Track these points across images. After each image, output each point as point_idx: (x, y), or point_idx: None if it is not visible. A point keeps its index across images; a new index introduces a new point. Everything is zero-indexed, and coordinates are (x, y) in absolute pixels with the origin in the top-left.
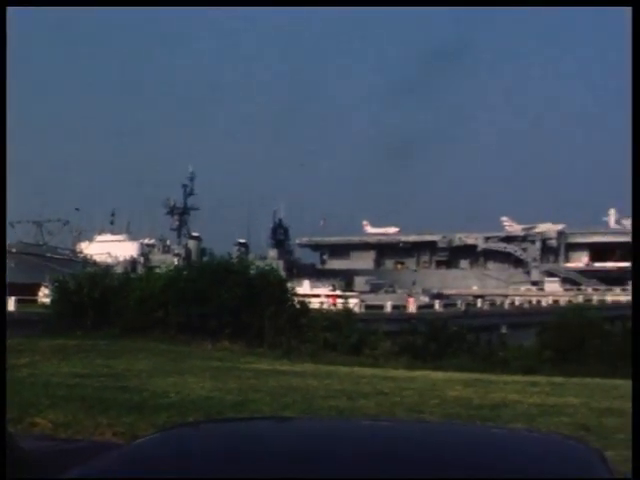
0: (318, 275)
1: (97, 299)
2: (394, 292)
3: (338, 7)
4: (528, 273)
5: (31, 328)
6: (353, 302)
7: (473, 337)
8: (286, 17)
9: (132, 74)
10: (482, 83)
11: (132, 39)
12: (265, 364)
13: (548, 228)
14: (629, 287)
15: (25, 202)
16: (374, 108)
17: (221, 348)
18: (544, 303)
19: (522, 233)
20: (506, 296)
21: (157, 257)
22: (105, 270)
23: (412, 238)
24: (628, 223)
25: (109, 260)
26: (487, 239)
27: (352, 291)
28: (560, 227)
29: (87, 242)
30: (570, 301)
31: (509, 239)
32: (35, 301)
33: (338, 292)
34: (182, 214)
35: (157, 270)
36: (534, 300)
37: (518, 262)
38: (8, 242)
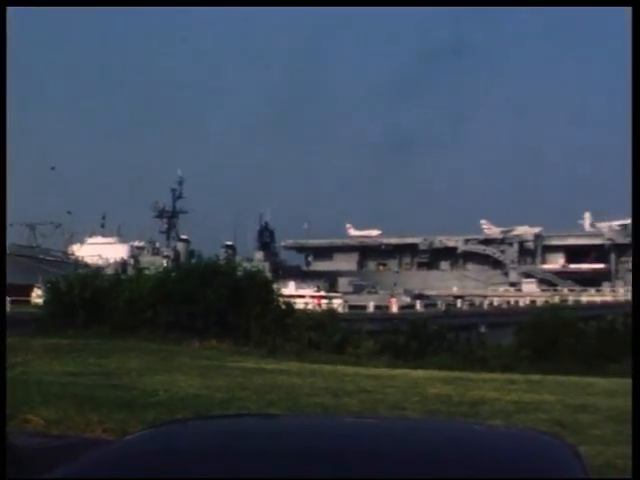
0: (303, 276)
1: (88, 299)
2: (376, 293)
3: (338, 7)
4: (506, 274)
5: (24, 328)
6: (337, 302)
7: (453, 336)
8: (283, 17)
9: (124, 76)
10: (472, 85)
11: (126, 40)
12: (251, 362)
13: (525, 231)
14: (603, 288)
15: (18, 205)
16: (360, 111)
17: (209, 347)
18: (521, 303)
19: (500, 236)
20: (485, 297)
21: (146, 259)
22: (96, 271)
23: (394, 240)
24: (602, 226)
25: (100, 262)
26: (467, 241)
27: (336, 292)
28: (537, 230)
29: (78, 244)
30: (547, 301)
31: (488, 241)
32: (28, 302)
33: (322, 293)
34: (171, 217)
35: (146, 271)
36: (512, 300)
37: (496, 264)
38: None
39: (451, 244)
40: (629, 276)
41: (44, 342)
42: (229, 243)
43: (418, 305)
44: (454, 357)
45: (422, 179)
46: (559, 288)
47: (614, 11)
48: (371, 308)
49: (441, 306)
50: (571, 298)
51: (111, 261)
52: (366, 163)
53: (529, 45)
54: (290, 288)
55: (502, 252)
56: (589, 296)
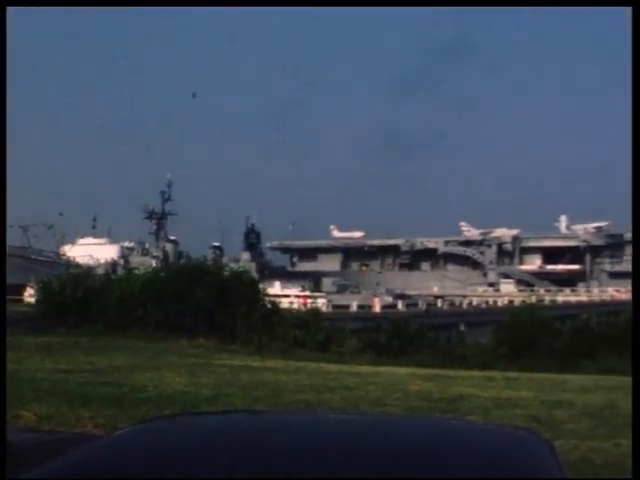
0: (288, 276)
1: (79, 299)
2: (359, 293)
3: (338, 7)
4: (485, 275)
5: (17, 326)
6: (321, 302)
7: (433, 335)
8: (282, 16)
9: (118, 76)
10: (466, 88)
11: (122, 40)
12: (238, 360)
13: (503, 233)
14: (578, 288)
15: (11, 206)
16: (347, 115)
17: (196, 345)
18: (500, 303)
19: (479, 237)
20: (464, 296)
21: (136, 259)
22: (87, 271)
23: (376, 242)
24: (578, 228)
25: (91, 262)
26: (447, 243)
27: (320, 292)
28: (515, 232)
29: (70, 245)
30: (524, 301)
31: (467, 243)
32: (21, 300)
33: (307, 293)
34: (160, 219)
35: (136, 271)
36: (490, 300)
37: (476, 265)
38: None
39: (432, 245)
40: (604, 277)
41: (36, 340)
42: (216, 244)
43: (400, 305)
44: (434, 355)
45: (405, 182)
46: (536, 288)
47: (614, 11)
48: (354, 307)
49: (422, 306)
50: (547, 298)
51: (102, 261)
52: (352, 166)
53: (529, 45)
54: (276, 288)
55: (481, 253)
56: (565, 296)
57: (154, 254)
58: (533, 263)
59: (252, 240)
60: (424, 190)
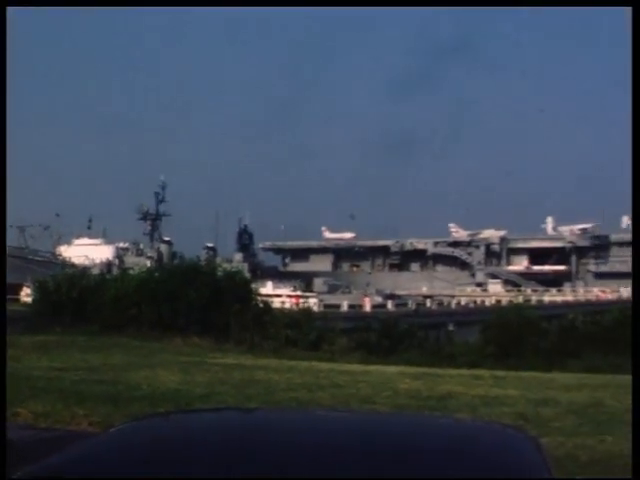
0: (280, 277)
1: (75, 298)
2: (350, 293)
3: (337, 7)
4: (473, 275)
5: (13, 325)
6: (312, 302)
7: (422, 334)
8: (281, 15)
9: (115, 76)
10: (459, 90)
11: (119, 40)
12: (231, 359)
13: (491, 234)
14: (564, 288)
15: (9, 207)
16: (337, 116)
17: (190, 344)
18: (487, 303)
19: (468, 238)
20: (453, 296)
21: (131, 260)
22: (82, 271)
23: (367, 243)
24: (564, 230)
25: (86, 262)
26: (436, 244)
27: (311, 292)
28: (502, 233)
29: (66, 245)
30: (511, 301)
31: (456, 244)
32: (17, 300)
33: (299, 292)
34: (154, 220)
35: (131, 272)
36: (478, 300)
37: (464, 265)
38: None
39: (421, 246)
40: (589, 277)
41: (32, 339)
42: (210, 245)
43: (389, 304)
44: (423, 354)
45: (396, 183)
46: (523, 288)
47: (614, 11)
48: (345, 307)
49: (411, 305)
50: (534, 298)
51: (97, 261)
52: (344, 167)
53: (528, 46)
54: (268, 288)
55: (469, 254)
56: (551, 296)
57: (148, 254)
58: (520, 264)
59: (245, 241)
60: (414, 191)
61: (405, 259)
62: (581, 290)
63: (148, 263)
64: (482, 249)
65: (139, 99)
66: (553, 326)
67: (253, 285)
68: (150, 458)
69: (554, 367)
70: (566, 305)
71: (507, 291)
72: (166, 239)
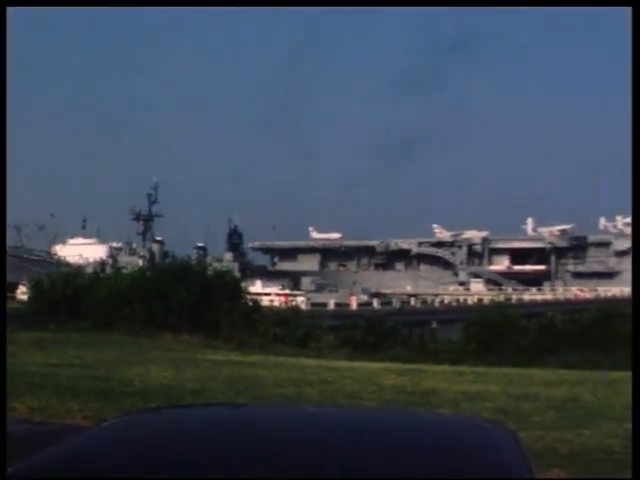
0: (269, 276)
1: (69, 296)
2: (337, 291)
3: (337, 7)
4: (456, 275)
5: (10, 322)
6: (300, 300)
7: (407, 331)
8: (279, 13)
9: (109, 79)
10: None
11: (116, 41)
12: (220, 355)
13: (473, 235)
14: (544, 287)
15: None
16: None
17: (181, 341)
18: (470, 301)
19: (451, 239)
20: (436, 295)
21: (124, 259)
22: (77, 270)
23: (353, 243)
24: (544, 231)
25: (80, 261)
26: (420, 244)
27: (299, 290)
28: (484, 234)
29: (61, 245)
30: (492, 300)
31: (439, 244)
32: (14, 298)
33: (287, 291)
34: (147, 220)
35: (124, 271)
36: (461, 299)
37: (447, 265)
38: None
39: (405, 246)
40: (568, 277)
41: (28, 336)
42: (200, 244)
43: (375, 303)
44: (408, 351)
45: (382, 185)
46: (504, 287)
47: (614, 11)
48: (332, 305)
49: (396, 304)
50: (515, 297)
51: (91, 261)
52: (333, 168)
53: (527, 46)
54: (257, 286)
55: (452, 254)
56: (531, 295)
57: (141, 254)
58: (501, 263)
59: (235, 241)
60: (399, 192)
61: (390, 259)
62: (560, 289)
63: (140, 262)
64: (464, 249)
65: (134, 100)
66: (533, 324)
67: (242, 284)
68: (142, 452)
69: (534, 363)
70: (545, 304)
71: (489, 290)
72: (158, 239)
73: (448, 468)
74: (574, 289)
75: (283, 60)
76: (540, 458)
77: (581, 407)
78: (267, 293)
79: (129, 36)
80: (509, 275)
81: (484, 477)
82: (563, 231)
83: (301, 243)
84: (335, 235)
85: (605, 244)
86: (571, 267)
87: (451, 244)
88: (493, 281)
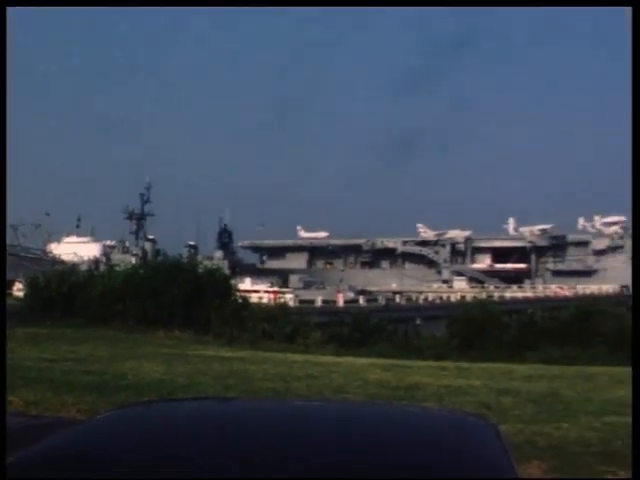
0: (258, 273)
1: (64, 293)
2: (324, 289)
3: (338, 7)
4: (440, 273)
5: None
6: (288, 297)
7: (392, 328)
8: (278, 12)
9: (105, 79)
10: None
11: (114, 42)
12: (211, 351)
13: (457, 234)
14: (524, 285)
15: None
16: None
17: (172, 337)
18: (453, 299)
19: (435, 238)
20: (421, 292)
21: (117, 257)
22: (71, 268)
23: (340, 241)
24: (524, 230)
25: (75, 259)
26: (405, 243)
27: (287, 287)
28: (467, 233)
29: (56, 243)
30: (475, 297)
31: (423, 243)
32: (10, 295)
33: (275, 288)
34: (139, 219)
35: (117, 268)
36: (444, 296)
37: (431, 263)
38: None
39: (391, 245)
40: (547, 275)
41: (24, 331)
42: (192, 243)
43: (361, 300)
44: (393, 346)
45: (368, 185)
46: (486, 285)
47: (614, 11)
48: (319, 302)
49: (381, 301)
50: (496, 294)
51: (85, 259)
52: (321, 169)
53: (526, 47)
54: (246, 284)
55: (436, 253)
56: (512, 292)
57: (134, 252)
58: (483, 262)
59: (225, 239)
60: (386, 193)
61: (376, 257)
62: (540, 287)
63: (133, 260)
64: (448, 248)
65: (129, 100)
66: (514, 320)
67: (232, 281)
68: (134, 444)
69: (514, 359)
70: (526, 301)
71: (471, 288)
72: (150, 237)
73: (431, 460)
74: (554, 287)
75: (280, 60)
76: (520, 450)
77: (560, 401)
78: (256, 290)
79: (127, 36)
80: (491, 273)
81: (466, 469)
82: (543, 231)
83: (289, 242)
84: (322, 234)
85: (584, 243)
86: (551, 265)
87: (435, 243)
88: (475, 279)
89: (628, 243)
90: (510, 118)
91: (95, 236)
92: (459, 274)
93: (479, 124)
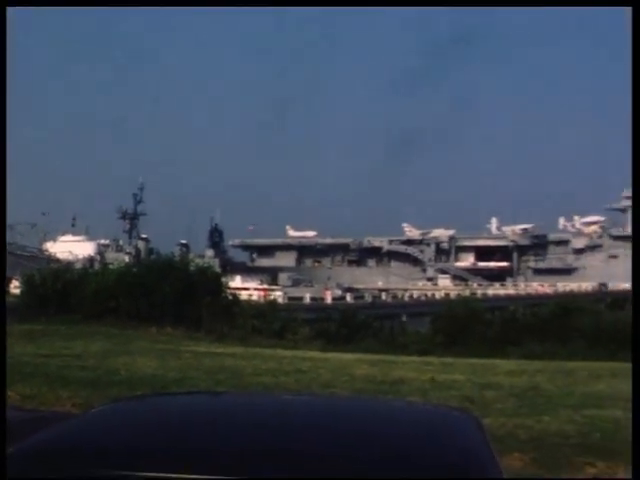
0: (248, 271)
1: (59, 291)
2: (312, 286)
3: (337, 7)
4: (424, 271)
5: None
6: (277, 294)
7: (378, 324)
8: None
9: (102, 79)
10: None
11: (113, 42)
12: (202, 347)
13: (441, 233)
14: (507, 283)
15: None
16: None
17: (165, 333)
18: (437, 296)
19: (420, 237)
20: (406, 290)
21: (111, 255)
22: (66, 266)
23: (328, 240)
24: (507, 229)
25: (70, 257)
26: (391, 242)
27: (277, 285)
28: (451, 232)
29: (51, 242)
30: (459, 294)
31: (409, 242)
32: (7, 292)
33: (265, 286)
34: (133, 219)
35: (111, 266)
36: (429, 294)
37: (416, 261)
38: None
39: (377, 244)
40: (529, 273)
41: (20, 328)
42: (183, 242)
43: (348, 297)
44: (379, 342)
45: (354, 186)
46: (469, 283)
47: (614, 11)
48: (307, 299)
49: (368, 298)
50: (479, 292)
51: (80, 257)
52: (309, 169)
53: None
54: (237, 282)
55: (421, 251)
56: (495, 290)
57: (127, 251)
58: (467, 260)
59: (215, 238)
60: (373, 193)
61: (362, 256)
62: (522, 284)
63: (127, 259)
64: (433, 247)
65: (125, 101)
66: (496, 317)
67: (223, 279)
68: (127, 436)
69: (497, 354)
70: (508, 298)
71: (455, 285)
72: (143, 236)
73: (415, 452)
74: (535, 284)
75: (279, 60)
76: (502, 443)
77: (541, 395)
78: (246, 288)
79: (126, 36)
80: (474, 271)
81: (449, 460)
82: (525, 230)
83: (278, 241)
84: (311, 233)
85: (564, 242)
86: (532, 264)
87: (420, 242)
88: (459, 277)
89: (606, 242)
90: (496, 120)
91: (90, 235)
92: (443, 272)
93: (465, 125)
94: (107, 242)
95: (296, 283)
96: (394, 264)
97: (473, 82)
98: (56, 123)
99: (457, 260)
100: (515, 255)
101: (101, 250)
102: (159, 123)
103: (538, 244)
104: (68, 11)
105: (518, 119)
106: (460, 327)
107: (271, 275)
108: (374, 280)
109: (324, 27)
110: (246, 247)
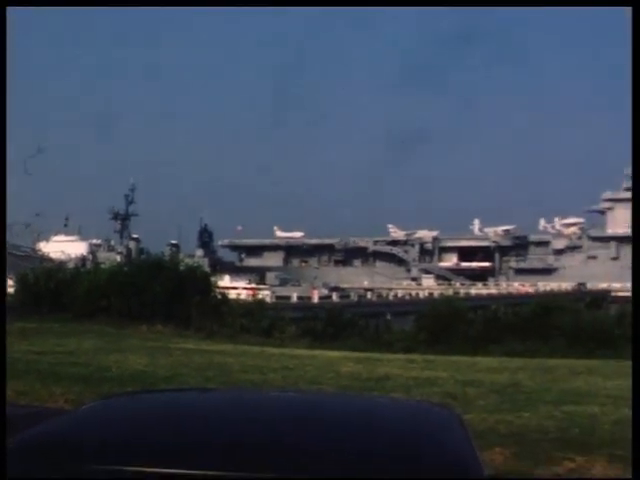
0: (237, 271)
1: (52, 289)
2: (299, 285)
3: (337, 7)
4: (409, 271)
5: None
6: (265, 293)
7: (363, 323)
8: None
9: (99, 79)
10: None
11: (112, 42)
12: (192, 344)
13: (425, 234)
14: (489, 283)
15: None
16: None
17: (155, 331)
18: (421, 295)
19: (404, 238)
20: (391, 289)
21: (103, 255)
22: (59, 265)
23: (314, 241)
24: (489, 231)
25: (63, 257)
26: (376, 242)
27: (264, 284)
28: (435, 233)
29: (45, 242)
30: (442, 294)
31: (394, 243)
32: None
33: (253, 285)
34: (124, 219)
35: (103, 266)
36: (413, 293)
37: (401, 262)
38: None
39: (363, 244)
40: (510, 273)
41: (14, 326)
42: (174, 242)
43: (334, 296)
44: (364, 340)
45: (343, 187)
46: (453, 282)
47: (614, 11)
48: (294, 298)
49: (354, 297)
50: (462, 291)
51: (72, 257)
52: (303, 169)
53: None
54: (225, 281)
55: (405, 252)
56: (477, 289)
57: (118, 250)
58: (450, 260)
59: (205, 238)
60: (361, 193)
61: (348, 256)
62: (503, 284)
63: (118, 258)
64: (417, 247)
65: (121, 101)
66: (478, 316)
67: (212, 279)
68: (118, 432)
69: (479, 352)
70: (490, 297)
71: (439, 285)
72: (134, 236)
73: (398, 447)
74: (516, 284)
75: (278, 60)
76: (483, 438)
77: (521, 392)
78: (235, 287)
79: (125, 36)
80: (457, 271)
81: (430, 455)
82: (506, 231)
83: (266, 241)
84: (298, 234)
85: (544, 243)
86: (513, 264)
87: (404, 242)
88: (443, 277)
89: (586, 243)
90: (479, 123)
91: (82, 235)
92: (427, 272)
93: (449, 128)
94: (99, 242)
95: (283, 282)
96: (379, 264)
97: (457, 83)
98: (50, 124)
99: (440, 260)
100: (497, 255)
101: (93, 250)
102: (151, 124)
103: (519, 245)
104: (68, 11)
105: (501, 122)
106: (443, 325)
107: (259, 275)
108: (360, 280)
109: (324, 27)
110: (235, 247)
